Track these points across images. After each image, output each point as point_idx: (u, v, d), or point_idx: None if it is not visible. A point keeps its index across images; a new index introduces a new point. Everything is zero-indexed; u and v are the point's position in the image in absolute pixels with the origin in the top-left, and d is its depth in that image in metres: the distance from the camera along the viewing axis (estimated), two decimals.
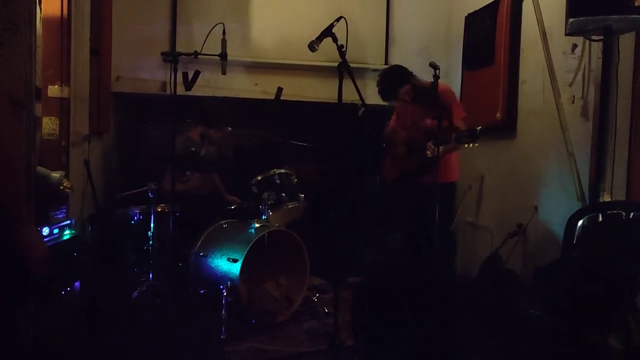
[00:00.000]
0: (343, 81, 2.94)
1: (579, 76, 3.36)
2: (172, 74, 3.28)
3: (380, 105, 4.93)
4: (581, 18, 2.75)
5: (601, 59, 3.05)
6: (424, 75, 3.94)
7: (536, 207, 3.76)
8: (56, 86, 3.42)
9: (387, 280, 1.21)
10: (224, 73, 3.56)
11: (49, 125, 3.39)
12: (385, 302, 1.17)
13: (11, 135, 1.18)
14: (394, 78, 3.83)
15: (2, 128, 1.14)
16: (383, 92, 3.87)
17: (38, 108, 3.25)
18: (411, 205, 4.01)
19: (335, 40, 2.93)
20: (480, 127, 3.26)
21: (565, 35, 3.02)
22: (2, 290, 1.18)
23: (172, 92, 3.27)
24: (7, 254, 1.18)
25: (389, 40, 5.13)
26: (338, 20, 3.00)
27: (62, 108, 3.44)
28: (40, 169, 3.16)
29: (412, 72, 3.88)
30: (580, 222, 2.74)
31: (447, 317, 1.13)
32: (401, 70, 3.86)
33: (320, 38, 2.93)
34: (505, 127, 4.08)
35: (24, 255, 1.18)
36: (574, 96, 3.41)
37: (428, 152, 3.49)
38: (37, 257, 1.20)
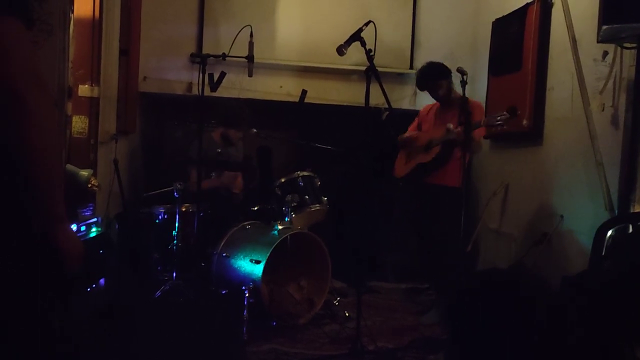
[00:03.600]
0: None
1: (610, 84, 3.31)
2: (201, 75, 3.31)
3: (406, 109, 4.94)
4: (615, 25, 2.71)
5: (634, 67, 3.00)
6: None
7: (562, 216, 3.71)
8: (86, 86, 3.47)
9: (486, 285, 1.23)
10: (250, 75, 3.59)
11: (79, 124, 3.44)
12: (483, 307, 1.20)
13: (55, 133, 1.20)
14: (436, 71, 3.93)
15: (50, 126, 1.16)
16: (421, 80, 4.01)
17: (69, 107, 3.30)
18: (419, 205, 4.06)
19: (363, 44, 2.93)
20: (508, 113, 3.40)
21: (598, 42, 2.98)
22: (39, 286, 1.21)
23: (200, 94, 3.30)
24: (44, 250, 1.20)
25: (415, 44, 5.11)
26: (367, 24, 2.99)
27: (91, 107, 3.49)
28: (69, 166, 3.21)
29: (451, 71, 3.93)
30: (609, 233, 2.69)
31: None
32: (443, 67, 3.96)
33: (348, 42, 2.94)
34: (531, 134, 4.04)
35: (60, 252, 1.21)
36: (604, 104, 3.35)
37: (450, 125, 3.66)
38: (74, 254, 1.23)
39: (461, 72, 3.41)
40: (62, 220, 1.21)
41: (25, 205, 1.16)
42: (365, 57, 2.99)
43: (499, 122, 3.38)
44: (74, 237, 1.25)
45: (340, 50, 2.92)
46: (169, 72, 4.80)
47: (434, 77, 3.90)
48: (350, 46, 3.01)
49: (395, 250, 4.86)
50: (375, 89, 3.01)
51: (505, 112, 3.41)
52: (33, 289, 1.19)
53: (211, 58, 3.59)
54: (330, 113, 4.93)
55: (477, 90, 4.88)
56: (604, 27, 2.74)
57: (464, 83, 3.40)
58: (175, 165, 4.19)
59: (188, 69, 4.80)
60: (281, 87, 4.99)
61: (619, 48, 3.17)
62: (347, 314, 3.67)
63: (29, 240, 1.17)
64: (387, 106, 3.12)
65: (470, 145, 3.46)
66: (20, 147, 1.12)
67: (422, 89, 4.06)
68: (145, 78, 4.74)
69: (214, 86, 4.85)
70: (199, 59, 3.37)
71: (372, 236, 4.65)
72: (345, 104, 4.92)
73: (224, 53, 3.46)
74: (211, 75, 4.82)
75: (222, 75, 4.79)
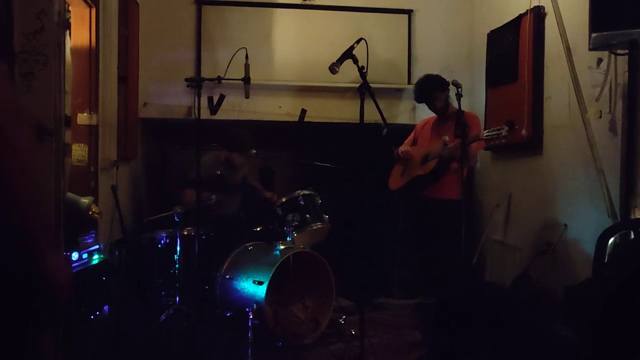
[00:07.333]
0: (365, 102, 2.96)
1: (606, 90, 3.30)
2: (196, 99, 3.32)
3: (405, 124, 4.94)
4: (604, 33, 2.71)
5: (628, 73, 2.99)
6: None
7: (566, 225, 3.68)
8: (85, 114, 3.50)
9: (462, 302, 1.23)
10: (247, 97, 3.59)
11: (79, 152, 3.47)
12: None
13: (37, 165, 1.20)
14: (432, 83, 3.98)
15: (29, 158, 1.17)
16: (419, 92, 4.06)
17: (68, 135, 3.33)
18: (420, 219, 4.05)
19: (355, 62, 2.95)
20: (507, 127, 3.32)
21: (589, 50, 2.98)
22: (25, 317, 1.20)
23: (196, 117, 3.31)
24: (31, 281, 1.20)
25: (412, 59, 5.13)
26: (358, 42, 3.02)
27: (90, 135, 3.52)
28: (69, 194, 3.22)
29: (449, 83, 3.93)
30: (611, 240, 2.66)
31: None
32: (440, 79, 4.00)
33: (340, 60, 2.96)
34: (531, 144, 4.02)
35: (46, 282, 1.20)
36: (600, 111, 3.34)
37: (446, 137, 3.68)
38: (60, 284, 1.22)
39: (456, 84, 3.43)
40: (48, 249, 1.20)
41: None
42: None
43: (497, 135, 3.31)
44: (62, 266, 1.24)
45: (333, 68, 2.94)
46: (168, 97, 4.84)
47: (431, 89, 3.93)
48: (348, 64, 3.04)
49: (402, 266, 4.83)
50: (373, 105, 3.03)
51: (504, 126, 3.32)
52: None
53: (210, 81, 3.60)
54: (330, 131, 4.95)
55: (476, 103, 4.89)
56: (594, 34, 2.74)
57: (459, 95, 3.42)
58: (177, 189, 4.20)
59: (187, 93, 4.81)
60: (280, 107, 5.01)
61: (612, 55, 3.17)
62: (353, 332, 3.63)
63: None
64: (386, 122, 3.13)
65: (467, 158, 3.45)
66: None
67: (419, 101, 4.09)
68: (145, 104, 4.78)
69: (214, 109, 4.90)
70: (195, 82, 3.37)
71: (377, 252, 4.63)
72: (345, 121, 4.94)
73: (219, 76, 3.48)
74: (211, 99, 4.88)
75: (222, 98, 4.84)
